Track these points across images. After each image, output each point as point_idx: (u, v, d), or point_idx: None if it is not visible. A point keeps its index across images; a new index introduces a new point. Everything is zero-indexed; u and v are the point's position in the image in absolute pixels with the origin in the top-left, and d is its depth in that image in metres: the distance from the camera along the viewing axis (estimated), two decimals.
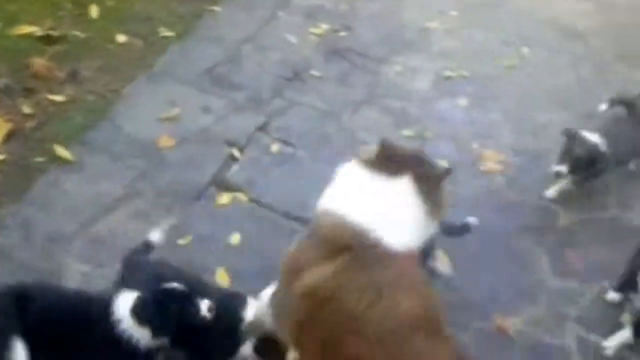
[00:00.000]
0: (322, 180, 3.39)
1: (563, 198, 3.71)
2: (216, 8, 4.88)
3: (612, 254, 3.36)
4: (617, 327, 2.98)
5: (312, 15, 5.08)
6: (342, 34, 4.93)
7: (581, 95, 4.68)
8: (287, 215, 3.31)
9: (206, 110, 3.94)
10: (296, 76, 4.39)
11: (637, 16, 5.90)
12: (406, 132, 4.06)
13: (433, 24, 5.26)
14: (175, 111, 3.88)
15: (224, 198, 3.33)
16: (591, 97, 4.56)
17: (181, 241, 3.07)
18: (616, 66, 5.14)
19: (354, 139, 3.91)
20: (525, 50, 5.16)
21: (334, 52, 4.70)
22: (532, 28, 5.49)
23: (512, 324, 2.97)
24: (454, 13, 5.50)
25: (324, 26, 4.96)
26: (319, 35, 4.85)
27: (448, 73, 4.69)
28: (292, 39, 4.74)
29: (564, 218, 3.62)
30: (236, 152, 3.63)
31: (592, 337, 2.98)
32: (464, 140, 4.07)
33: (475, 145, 4.03)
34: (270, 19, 4.94)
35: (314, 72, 4.45)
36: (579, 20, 5.70)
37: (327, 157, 3.70)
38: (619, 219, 3.68)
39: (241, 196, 3.36)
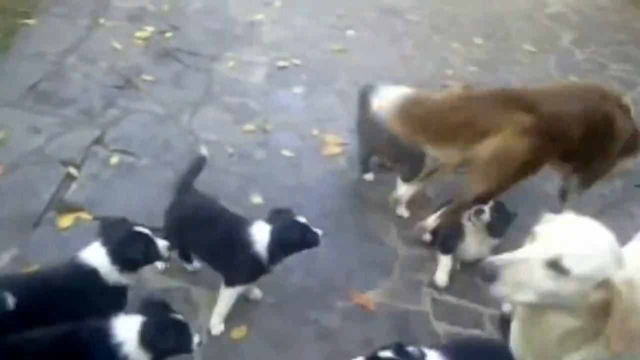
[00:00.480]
0: (167, 187, 3.38)
1: None
2: (30, 21, 4.58)
3: None
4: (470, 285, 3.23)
5: (135, 18, 4.94)
6: (169, 34, 4.85)
7: (407, 69, 4.99)
8: None
9: (35, 130, 3.71)
10: (128, 83, 4.26)
11: None
12: (248, 127, 4.09)
13: (260, 16, 5.33)
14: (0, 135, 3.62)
15: (66, 220, 3.16)
16: (415, 69, 4.91)
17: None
18: (433, 38, 5.53)
19: (197, 140, 3.88)
20: (350, 32, 5.40)
21: (163, 54, 4.62)
22: (354, 11, 5.75)
23: (372, 298, 3.12)
24: (278, 3, 5.61)
25: (150, 29, 4.84)
26: (145, 39, 4.73)
27: (281, 63, 4.79)
28: (118, 45, 4.58)
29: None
30: (73, 171, 3.46)
31: (445, 297, 3.20)
32: (304, 128, 4.18)
33: (315, 132, 4.15)
34: (92, 27, 4.74)
35: (146, 77, 4.34)
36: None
37: (171, 162, 3.65)
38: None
39: (84, 215, 3.21)
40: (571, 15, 6.56)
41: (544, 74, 5.35)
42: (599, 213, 3.90)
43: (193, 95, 4.29)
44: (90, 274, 2.35)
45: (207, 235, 2.77)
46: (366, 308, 3.06)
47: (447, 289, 3.22)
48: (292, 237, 2.67)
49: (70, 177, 3.42)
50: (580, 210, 3.79)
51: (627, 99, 3.53)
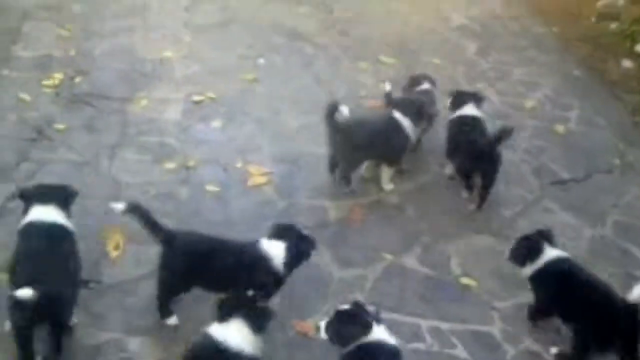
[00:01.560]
0: (91, 235, 3.30)
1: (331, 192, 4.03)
2: None
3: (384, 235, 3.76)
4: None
5: (41, 66, 4.83)
6: (79, 79, 4.78)
7: (321, 92, 5.08)
8: None
9: None
10: (40, 134, 4.15)
11: (349, 12, 6.52)
12: (169, 165, 4.06)
13: (169, 53, 5.30)
14: None
15: None
16: (329, 92, 5.02)
17: None
18: (343, 61, 5.66)
19: (117, 184, 3.82)
20: (261, 60, 5.45)
21: (74, 100, 4.54)
22: (262, 39, 5.81)
23: (311, 324, 3.10)
24: (187, 39, 5.61)
25: (58, 75, 4.75)
26: (54, 87, 4.64)
27: (196, 98, 4.78)
28: (26, 96, 4.47)
29: (334, 212, 3.91)
30: None
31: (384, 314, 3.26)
32: (227, 161, 4.18)
33: (239, 164, 4.16)
34: None
35: (58, 126, 4.25)
36: (302, 23, 6.16)
37: (94, 209, 3.57)
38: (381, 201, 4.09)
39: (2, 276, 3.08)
40: (473, 27, 6.84)
41: (453, 85, 5.56)
42: (521, 213, 4.12)
43: (109, 139, 4.22)
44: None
45: (220, 266, 2.91)
46: (308, 336, 3.07)
47: (383, 306, 3.28)
48: (306, 250, 3.04)
49: None
50: (500, 213, 4.03)
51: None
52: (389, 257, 3.61)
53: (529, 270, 3.22)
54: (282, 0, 6.64)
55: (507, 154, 4.64)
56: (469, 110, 4.24)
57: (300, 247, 3.01)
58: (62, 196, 2.99)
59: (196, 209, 3.76)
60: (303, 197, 4.01)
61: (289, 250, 2.96)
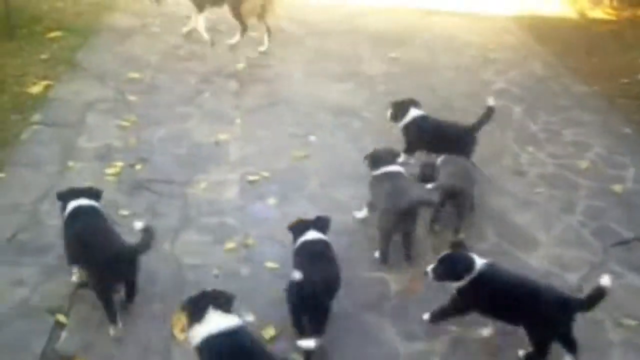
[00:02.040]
0: (158, 320, 3.38)
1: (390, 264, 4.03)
2: (1, 175, 4.63)
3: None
4: None
5: (103, 156, 5.04)
6: (139, 166, 4.95)
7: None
8: None
9: (18, 283, 3.69)
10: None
11: (391, 85, 6.67)
12: (229, 245, 4.14)
13: (224, 136, 5.49)
14: None
15: None
16: None
17: None
18: (389, 132, 5.74)
19: (181, 267, 3.91)
20: (311, 137, 5.58)
21: (136, 186, 4.70)
22: (311, 117, 5.97)
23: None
24: (238, 121, 5.80)
25: (119, 164, 4.94)
26: (116, 175, 4.82)
27: (251, 177, 4.90)
28: (90, 184, 4.63)
29: (394, 285, 3.90)
30: (62, 318, 3.43)
31: None
32: (284, 237, 4.20)
33: None
34: (62, 171, 4.81)
35: (123, 212, 4.39)
36: (347, 99, 6.32)
37: (159, 293, 3.66)
38: None
39: None
40: (515, 90, 6.91)
41: (503, 149, 5.58)
42: (586, 277, 4.03)
43: (171, 222, 4.34)
44: None
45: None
46: None
47: None
48: None
49: (59, 325, 3.38)
50: (565, 278, 3.92)
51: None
52: (454, 329, 3.56)
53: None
54: (326, 78, 6.87)
55: (566, 217, 4.63)
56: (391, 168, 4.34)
57: None
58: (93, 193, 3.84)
59: (257, 287, 3.81)
60: (362, 269, 4.02)
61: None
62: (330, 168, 5.13)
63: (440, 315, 3.55)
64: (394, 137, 5.63)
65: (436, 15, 9.33)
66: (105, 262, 3.31)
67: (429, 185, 4.64)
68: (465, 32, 8.70)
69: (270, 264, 4.00)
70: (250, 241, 4.19)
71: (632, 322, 3.70)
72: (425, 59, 7.63)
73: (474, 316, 3.62)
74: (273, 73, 6.97)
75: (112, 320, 3.35)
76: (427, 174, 4.60)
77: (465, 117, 6.09)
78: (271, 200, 4.66)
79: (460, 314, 3.50)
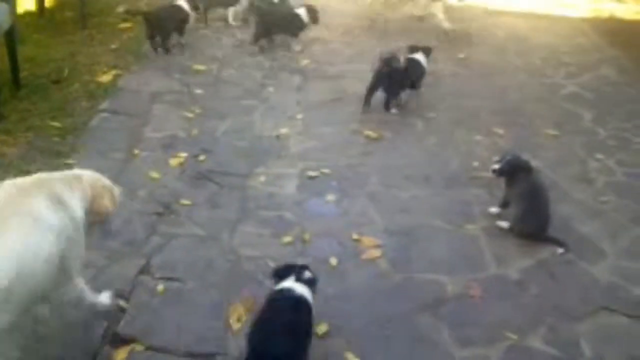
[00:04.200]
0: (215, 309, 3.42)
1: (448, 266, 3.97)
2: (70, 161, 4.79)
3: (505, 312, 3.62)
4: None
5: (168, 146, 5.14)
6: (202, 157, 5.02)
7: (433, 165, 5.11)
8: (189, 354, 3.22)
9: (84, 265, 3.80)
10: (167, 209, 4.38)
11: (457, 85, 6.56)
12: (286, 239, 4.15)
13: (285, 130, 5.52)
14: None
15: (121, 354, 3.18)
16: (441, 164, 5.05)
17: None
18: (454, 133, 5.66)
19: (239, 258, 3.95)
20: (371, 133, 5.55)
21: (198, 177, 4.77)
22: (373, 114, 5.93)
23: None
24: (300, 116, 5.82)
25: (183, 154, 5.03)
26: (180, 165, 4.91)
27: (311, 173, 4.90)
28: (155, 173, 4.75)
29: (451, 287, 3.83)
30: (123, 303, 3.51)
31: None
32: (341, 234, 4.22)
33: (354, 236, 4.20)
34: (128, 158, 4.94)
35: (184, 201, 4.46)
36: (412, 99, 6.25)
37: (216, 283, 3.71)
38: (500, 276, 3.97)
39: (138, 347, 3.23)
40: (587, 94, 6.68)
41: (571, 156, 5.40)
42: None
43: (230, 213, 4.39)
44: None
45: None
46: None
47: None
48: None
49: (120, 310, 3.47)
50: (631, 291, 3.76)
51: None
52: (512, 336, 3.47)
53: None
54: None
55: (634, 228, 4.47)
56: None
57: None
58: None
59: None
60: (419, 271, 3.96)
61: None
62: (392, 167, 5.08)
63: None
64: (454, 139, 5.57)
65: (506, 16, 9.13)
66: None
67: None
68: (537, 33, 8.48)
69: (325, 260, 3.98)
70: (307, 236, 4.19)
71: None
72: (495, 60, 7.47)
73: (530, 323, 3.55)
74: (337, 70, 6.97)
75: None
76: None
77: (535, 120, 5.97)
78: (330, 197, 4.65)
79: None
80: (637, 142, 5.73)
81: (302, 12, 7.28)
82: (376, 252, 4.08)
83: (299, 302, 3.08)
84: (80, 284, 2.96)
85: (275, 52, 7.30)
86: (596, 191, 4.92)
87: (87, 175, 3.08)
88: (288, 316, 2.99)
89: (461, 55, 7.47)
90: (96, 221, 3.11)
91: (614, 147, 5.61)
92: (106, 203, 3.07)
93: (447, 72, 7.02)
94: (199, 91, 6.17)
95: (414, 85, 6.06)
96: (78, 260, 2.87)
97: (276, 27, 7.30)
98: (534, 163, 4.37)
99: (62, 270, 2.71)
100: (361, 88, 5.97)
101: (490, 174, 4.45)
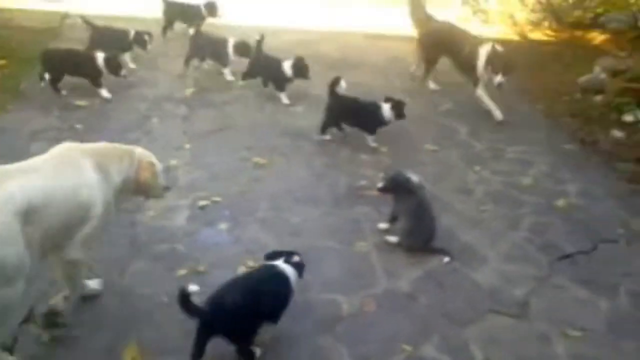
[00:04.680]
0: (108, 353, 3.28)
1: (342, 285, 4.04)
2: None
3: (400, 325, 3.74)
4: None
5: None
6: None
7: (321, 186, 5.23)
8: None
9: None
10: None
11: None
12: (181, 272, 4.08)
13: (173, 162, 5.44)
14: None
15: None
16: (329, 185, 5.17)
17: None
18: (341, 154, 5.81)
19: (131, 296, 3.83)
20: (262, 161, 5.59)
21: None
22: (261, 139, 6.00)
23: None
24: (188, 146, 5.78)
25: None
26: None
27: (201, 203, 4.87)
28: None
29: (347, 306, 3.91)
30: (7, 356, 3.31)
31: None
32: (237, 262, 4.21)
33: (249, 263, 4.20)
34: None
35: None
36: (299, 122, 6.37)
37: (108, 325, 3.59)
38: (392, 290, 4.11)
39: None
40: (460, 110, 7.09)
41: (450, 169, 5.70)
42: (533, 292, 4.13)
43: (120, 251, 4.25)
44: None
45: None
46: None
47: None
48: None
49: None
50: (513, 293, 4.02)
51: None
52: (407, 348, 3.59)
53: None
54: (278, 102, 6.91)
55: (511, 234, 4.75)
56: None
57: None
58: None
59: None
60: (315, 291, 4.01)
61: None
62: (282, 191, 5.14)
63: None
64: (341, 159, 5.72)
65: (386, 40, 9.51)
66: None
67: None
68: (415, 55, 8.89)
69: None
70: (201, 267, 4.14)
71: (578, 333, 3.80)
72: (379, 83, 7.76)
73: (423, 333, 3.68)
74: (223, 98, 6.98)
75: None
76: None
77: (416, 137, 6.26)
78: (222, 225, 4.63)
79: None
80: (510, 152, 6.16)
81: (287, 65, 6.91)
82: None
83: (277, 275, 3.45)
84: (82, 249, 3.39)
85: (156, 83, 7.20)
86: (476, 201, 5.23)
87: (139, 151, 3.71)
88: (259, 281, 3.41)
89: (346, 79, 7.67)
90: (139, 191, 3.74)
91: (489, 158, 5.99)
92: (146, 174, 3.63)
93: None
94: (79, 126, 5.98)
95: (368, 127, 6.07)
96: (96, 220, 3.33)
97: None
98: (417, 178, 4.57)
99: (80, 221, 3.27)
100: (247, 114, 6.01)
101: (376, 192, 4.63)
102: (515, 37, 10.21)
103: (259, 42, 7.04)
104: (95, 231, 3.36)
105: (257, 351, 3.37)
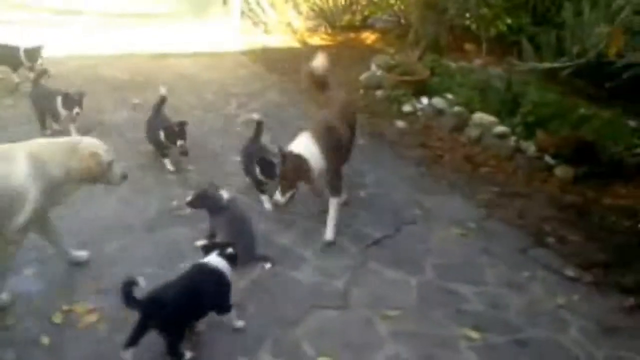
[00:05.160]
0: None
1: None
2: None
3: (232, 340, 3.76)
4: None
5: None
6: None
7: (130, 212, 5.05)
8: None
9: None
10: None
11: (138, 132, 6.58)
12: None
13: None
14: None
15: None
16: (141, 210, 5.02)
17: None
18: (146, 179, 5.66)
19: None
20: None
21: None
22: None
23: None
24: None
25: None
26: None
27: None
28: None
29: None
30: None
31: None
32: (50, 307, 3.94)
33: (64, 307, 3.97)
34: None
35: None
36: None
37: None
38: None
39: None
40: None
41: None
42: (352, 281, 4.40)
43: None
44: None
45: None
46: None
47: None
48: None
49: None
50: (333, 285, 4.24)
51: None
52: None
53: None
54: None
55: (323, 230, 4.98)
56: None
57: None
58: None
59: None
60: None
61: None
62: (90, 222, 4.89)
63: None
64: (147, 183, 5.59)
65: (172, 58, 9.41)
66: None
67: None
68: (203, 70, 8.93)
69: (40, 340, 3.68)
70: (11, 321, 3.82)
71: (396, 312, 4.14)
72: (171, 101, 7.64)
73: (257, 341, 3.76)
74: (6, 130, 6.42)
75: None
76: None
77: (219, 151, 6.31)
78: (28, 271, 4.28)
79: None
80: None
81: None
82: (92, 317, 3.91)
83: (212, 272, 3.73)
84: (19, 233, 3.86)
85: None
86: (285, 204, 5.39)
87: (85, 142, 4.05)
88: (193, 281, 3.68)
89: (136, 101, 7.49)
90: (88, 179, 4.05)
91: None
92: (89, 164, 3.95)
93: (122, 118, 6.98)
94: None
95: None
96: (30, 207, 3.77)
97: None
98: (227, 193, 4.63)
99: (13, 207, 3.73)
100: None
101: (189, 210, 4.62)
102: (296, 44, 10.69)
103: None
104: (30, 216, 3.79)
105: (187, 355, 3.57)
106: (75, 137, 4.19)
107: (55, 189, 3.90)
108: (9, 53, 7.32)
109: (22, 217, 3.77)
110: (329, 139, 4.75)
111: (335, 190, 4.88)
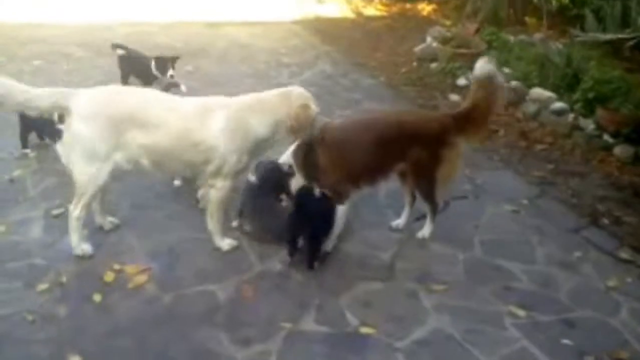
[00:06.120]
0: None
1: (215, 274, 4.04)
2: None
3: (277, 304, 3.79)
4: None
5: None
6: None
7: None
8: None
9: None
10: None
11: None
12: (41, 287, 3.85)
13: (18, 172, 5.12)
14: None
15: None
16: None
17: None
18: None
19: None
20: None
21: None
22: None
23: None
24: (32, 154, 5.46)
25: None
26: None
27: (56, 211, 4.60)
28: None
29: (222, 293, 3.92)
30: None
31: None
32: (102, 268, 4.05)
33: (115, 266, 4.07)
34: None
35: None
36: None
37: None
38: (266, 272, 4.16)
39: None
40: (311, 90, 7.12)
41: None
42: (398, 254, 4.37)
43: None
44: None
45: None
46: None
47: None
48: None
49: None
50: (380, 257, 4.23)
51: None
52: (286, 325, 3.67)
53: None
54: None
55: (371, 201, 4.96)
56: None
57: None
58: None
59: (80, 325, 3.59)
60: (188, 285, 3.97)
61: None
62: (141, 188, 4.98)
63: None
64: None
65: (226, 26, 9.47)
66: None
67: None
68: (257, 39, 8.95)
69: (89, 298, 3.80)
70: (64, 279, 3.95)
71: (441, 287, 4.10)
72: (223, 69, 7.72)
73: (300, 308, 3.79)
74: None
75: None
76: None
77: None
78: (83, 231, 4.40)
79: None
80: None
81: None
82: (142, 278, 4.00)
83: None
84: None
85: None
86: None
87: (295, 93, 3.95)
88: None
89: (189, 68, 7.57)
90: (298, 129, 3.91)
91: None
92: (299, 118, 3.84)
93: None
94: None
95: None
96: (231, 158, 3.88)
97: None
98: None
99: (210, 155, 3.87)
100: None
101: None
102: (351, 15, 10.58)
103: None
104: (230, 171, 4.00)
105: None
106: (287, 88, 4.04)
107: (257, 145, 3.90)
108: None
109: (224, 169, 3.89)
110: None
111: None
